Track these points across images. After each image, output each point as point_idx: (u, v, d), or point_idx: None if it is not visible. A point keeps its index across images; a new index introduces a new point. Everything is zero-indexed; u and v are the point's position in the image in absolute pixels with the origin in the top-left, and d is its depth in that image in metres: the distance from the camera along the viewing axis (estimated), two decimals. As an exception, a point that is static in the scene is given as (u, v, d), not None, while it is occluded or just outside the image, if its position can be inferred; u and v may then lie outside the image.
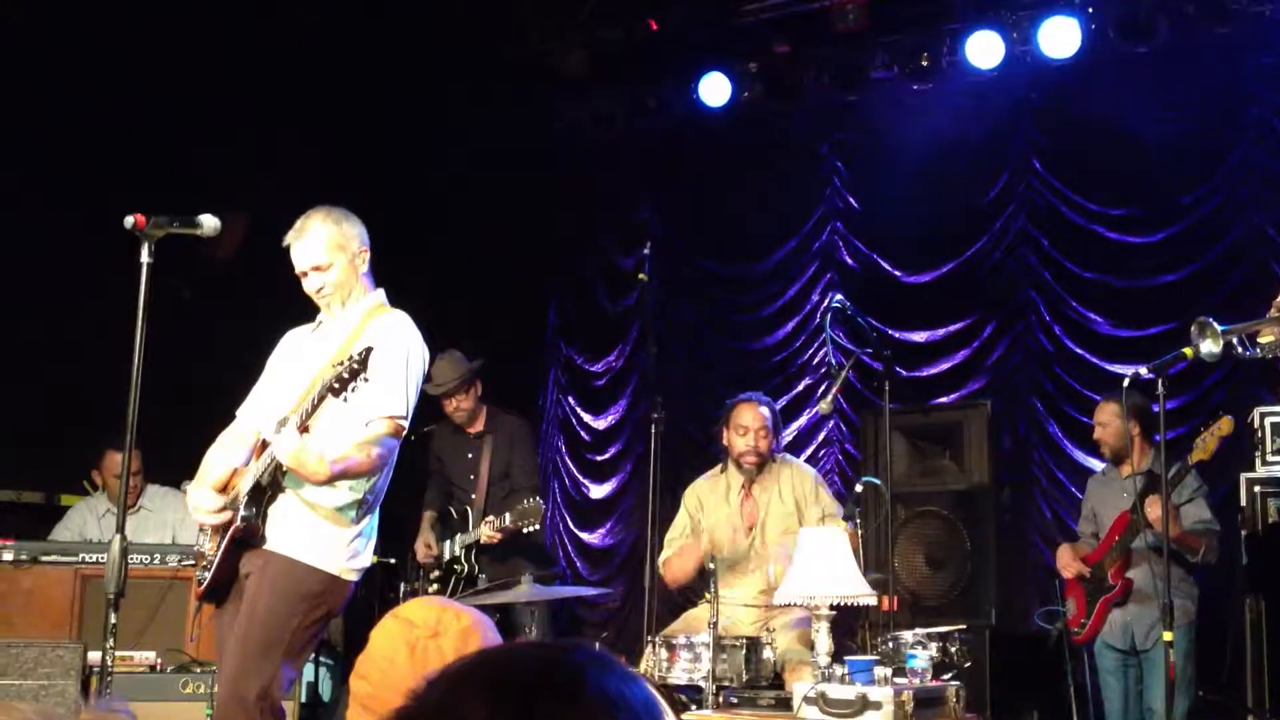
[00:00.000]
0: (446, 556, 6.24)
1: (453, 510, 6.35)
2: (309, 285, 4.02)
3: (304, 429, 3.75)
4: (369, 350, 3.65)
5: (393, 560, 6.72)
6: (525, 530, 5.80)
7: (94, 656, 4.95)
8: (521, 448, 6.37)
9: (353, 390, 3.68)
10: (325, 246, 3.98)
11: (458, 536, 6.20)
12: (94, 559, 5.51)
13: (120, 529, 3.71)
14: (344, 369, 3.62)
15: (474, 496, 6.26)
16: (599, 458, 8.35)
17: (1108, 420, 5.82)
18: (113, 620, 3.66)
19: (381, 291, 4.13)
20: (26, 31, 6.48)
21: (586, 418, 8.45)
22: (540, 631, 5.73)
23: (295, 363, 4.09)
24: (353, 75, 7.29)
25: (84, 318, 6.53)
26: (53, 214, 6.65)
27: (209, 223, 3.87)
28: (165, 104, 6.92)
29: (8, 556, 5.49)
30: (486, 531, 5.92)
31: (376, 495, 3.99)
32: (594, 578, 7.78)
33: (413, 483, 6.40)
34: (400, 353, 3.93)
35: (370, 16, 7.09)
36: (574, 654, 1.28)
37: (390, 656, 2.19)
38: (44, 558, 5.53)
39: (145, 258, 3.78)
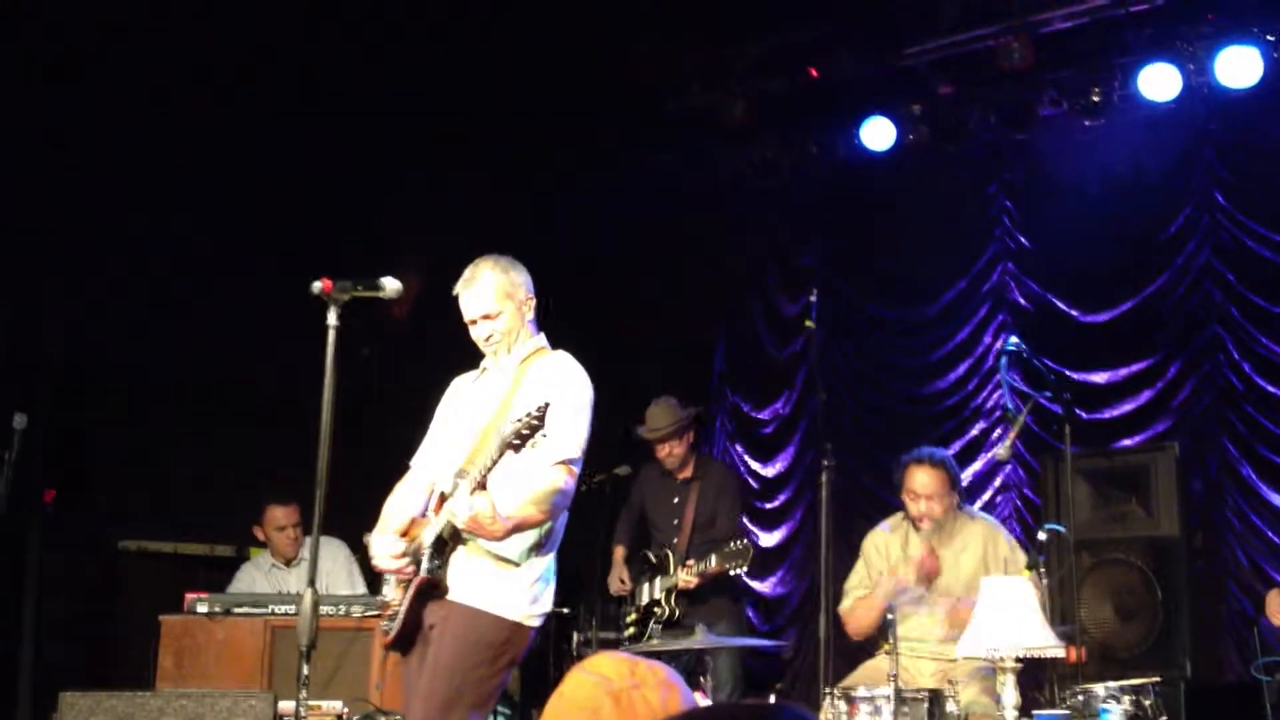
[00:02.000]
0: (645, 599, 6.28)
1: (651, 554, 6.40)
2: (477, 333, 4.10)
3: (482, 484, 3.80)
4: (547, 406, 3.69)
5: (566, 610, 6.78)
6: (732, 573, 5.83)
7: (284, 705, 5.09)
8: (728, 496, 6.44)
9: (532, 446, 3.73)
10: (494, 295, 4.05)
11: (658, 580, 6.25)
12: (283, 610, 5.67)
13: (311, 581, 3.82)
14: (523, 425, 3.65)
15: (676, 541, 6.31)
16: (768, 505, 8.28)
17: None
18: (305, 671, 3.77)
19: (543, 336, 4.19)
20: (198, 76, 6.76)
21: (754, 465, 8.40)
22: (722, 679, 5.72)
23: (464, 410, 4.16)
24: (521, 126, 7.45)
25: (269, 375, 6.78)
26: (233, 265, 6.93)
27: (391, 285, 3.99)
28: (339, 151, 7.16)
29: (202, 609, 5.68)
30: (684, 577, 5.97)
31: (554, 538, 4.02)
32: (765, 627, 7.70)
33: (583, 536, 6.46)
34: (568, 395, 3.96)
35: (538, 68, 7.25)
36: (782, 715, 1.26)
37: (594, 709, 2.17)
38: (236, 609, 5.71)
39: (332, 321, 3.91)
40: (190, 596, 5.70)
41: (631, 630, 6.29)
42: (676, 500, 6.43)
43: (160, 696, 5.13)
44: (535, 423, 3.66)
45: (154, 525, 6.87)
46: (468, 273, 4.10)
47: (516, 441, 3.68)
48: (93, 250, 6.60)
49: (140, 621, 6.11)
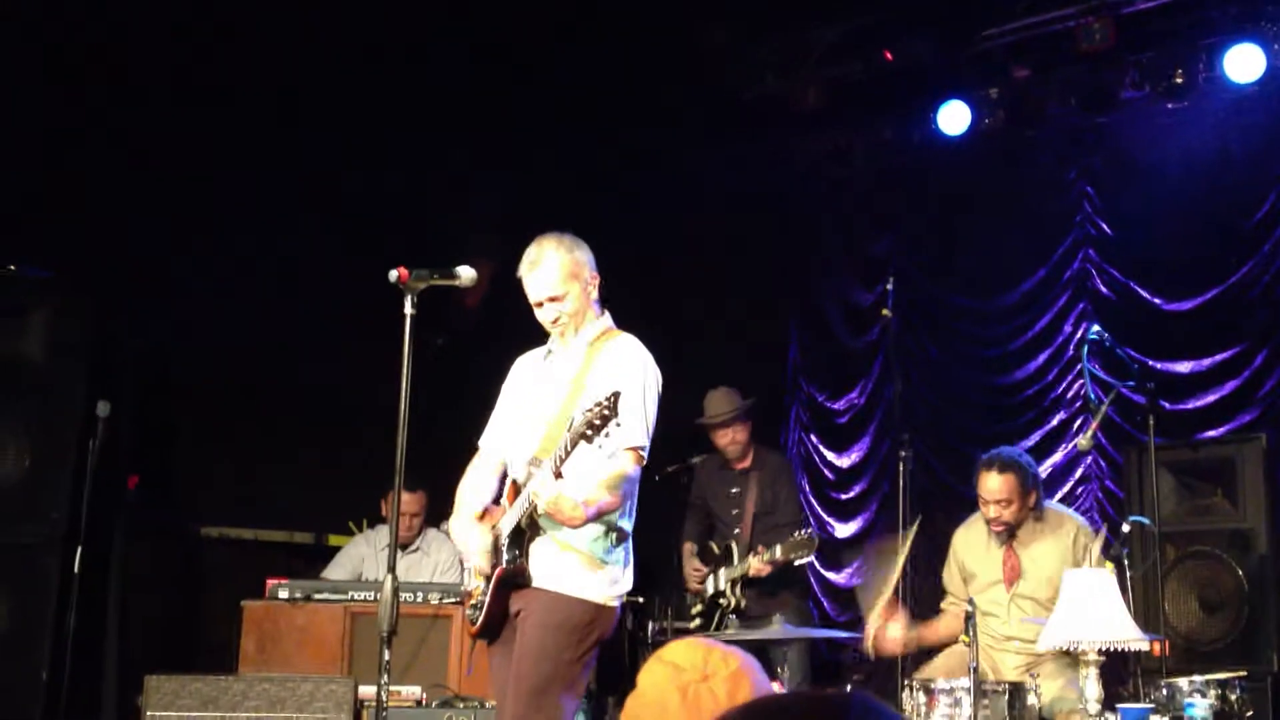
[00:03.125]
0: (710, 590, 6.30)
1: (714, 545, 6.42)
2: (544, 315, 4.08)
3: (558, 474, 3.81)
4: (618, 395, 3.68)
5: (641, 599, 6.78)
6: (796, 563, 5.84)
7: (364, 690, 5.15)
8: (786, 484, 6.46)
9: (605, 436, 3.73)
10: (560, 276, 4.02)
11: (722, 570, 6.26)
12: (363, 597, 5.74)
13: (391, 568, 3.86)
14: (595, 414, 3.65)
15: (738, 531, 6.33)
16: (843, 496, 8.23)
17: None
18: (386, 656, 3.81)
19: (608, 316, 4.16)
20: (274, 80, 6.85)
21: (830, 455, 8.35)
22: (794, 670, 5.70)
23: (532, 394, 4.16)
24: (597, 116, 7.46)
25: (348, 366, 6.85)
26: (312, 260, 7.02)
27: (466, 273, 4.00)
28: (412, 144, 7.22)
29: (283, 594, 5.77)
30: (756, 564, 5.98)
31: (629, 522, 4.02)
32: (841, 618, 7.64)
33: (657, 524, 6.47)
34: (636, 381, 3.95)
35: (613, 57, 7.25)
36: (850, 708, 1.24)
37: (662, 702, 2.18)
38: (316, 595, 5.78)
39: (408, 309, 3.94)
40: (271, 582, 5.79)
41: (698, 622, 6.30)
42: (736, 490, 6.45)
43: (243, 680, 5.22)
44: (607, 412, 3.66)
45: (235, 513, 6.98)
46: (531, 253, 4.06)
47: (589, 432, 3.68)
48: (176, 243, 6.70)
49: (221, 607, 6.22)
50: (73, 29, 6.34)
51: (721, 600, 6.24)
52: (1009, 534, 5.28)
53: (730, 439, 6.41)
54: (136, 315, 6.56)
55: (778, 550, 5.90)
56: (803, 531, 5.89)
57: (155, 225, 6.60)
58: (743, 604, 6.16)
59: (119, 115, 6.50)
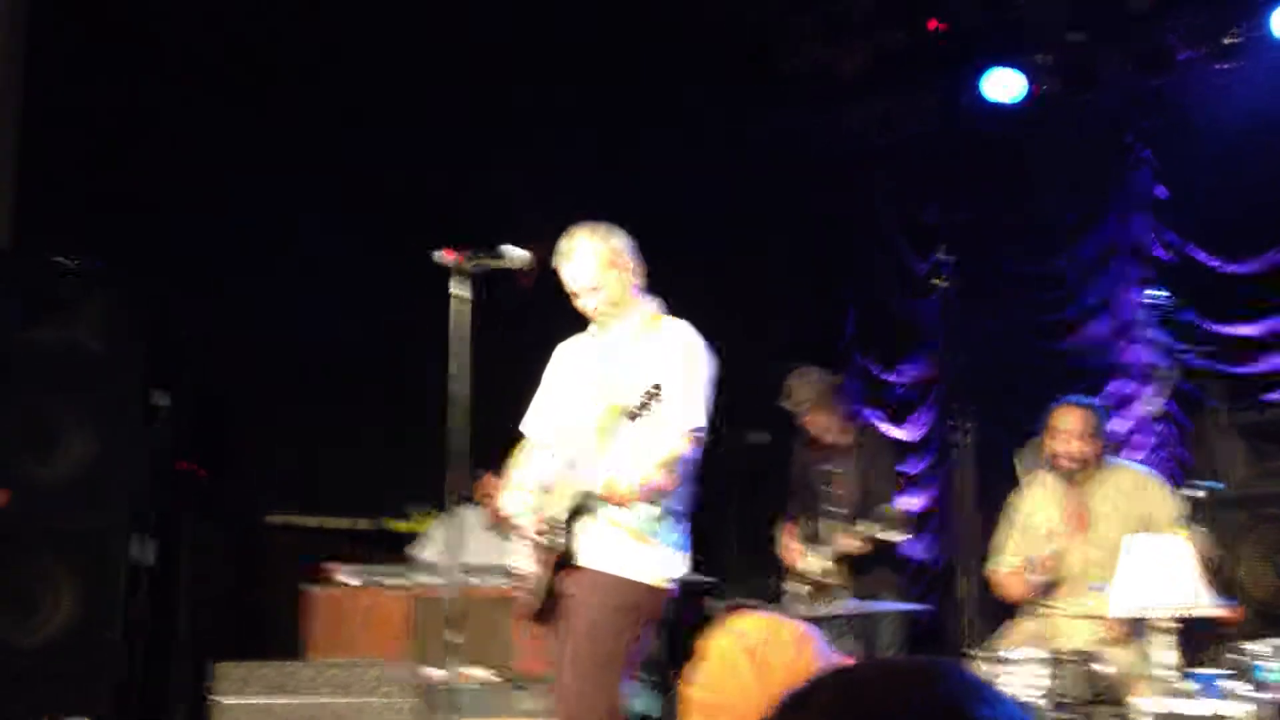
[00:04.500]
0: (815, 570, 6.25)
1: (810, 524, 6.38)
2: (582, 305, 4.06)
3: (606, 460, 3.80)
4: (658, 387, 3.67)
5: (705, 579, 6.76)
6: (891, 539, 5.79)
7: (430, 674, 5.16)
8: (883, 462, 6.39)
9: (647, 414, 3.72)
10: (596, 266, 4.00)
11: (821, 550, 6.21)
12: (427, 580, 5.76)
13: (454, 550, 3.87)
14: (636, 407, 3.66)
15: (830, 509, 6.27)
16: (906, 470, 8.15)
17: None
18: (452, 638, 3.82)
19: (656, 300, 4.13)
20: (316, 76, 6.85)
21: (888, 428, 8.27)
22: (882, 646, 5.68)
23: (578, 379, 4.14)
24: (641, 87, 7.42)
25: (408, 350, 6.87)
26: (370, 244, 7.04)
27: (516, 254, 3.99)
28: (459, 121, 7.20)
29: (347, 579, 5.80)
30: (845, 541, 5.93)
31: (685, 506, 4.01)
32: (909, 593, 7.59)
33: (717, 505, 6.44)
34: (687, 364, 3.93)
35: (656, 27, 7.21)
36: (934, 679, 1.20)
37: (732, 665, 2.25)
38: (380, 580, 5.81)
39: (460, 291, 3.94)
40: (335, 567, 5.82)
41: (803, 608, 6.26)
42: (828, 468, 6.39)
43: (310, 666, 5.25)
44: (648, 400, 3.66)
45: (296, 500, 7.02)
46: (564, 244, 4.04)
47: (632, 414, 3.69)
48: (231, 232, 6.74)
49: (285, 593, 6.25)
50: (120, 22, 6.38)
51: (826, 579, 6.19)
52: (1075, 475, 5.22)
53: (814, 422, 6.37)
54: (193, 305, 6.61)
55: (871, 526, 5.85)
56: (894, 509, 5.83)
57: (209, 214, 6.65)
58: (836, 583, 6.11)
59: (172, 107, 6.55)
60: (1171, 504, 5.18)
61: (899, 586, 6.33)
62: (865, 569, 6.07)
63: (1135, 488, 5.22)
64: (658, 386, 3.68)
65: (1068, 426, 5.23)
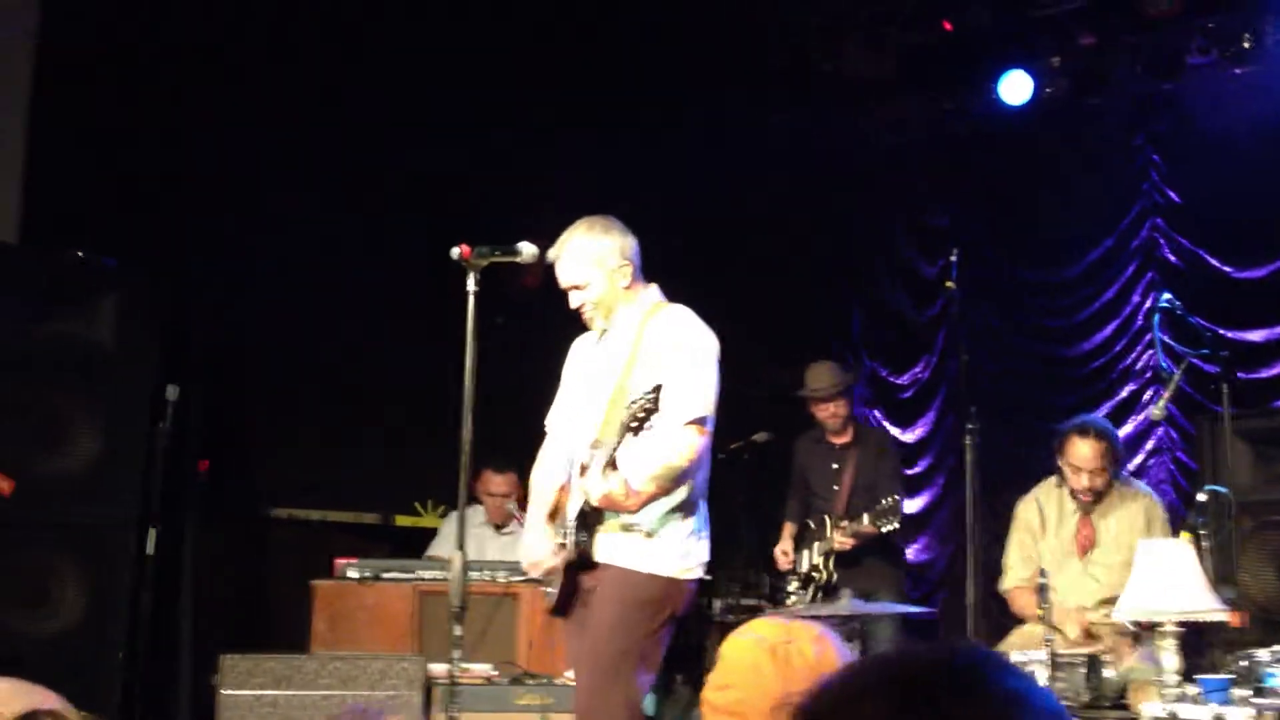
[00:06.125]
0: (805, 566, 6.27)
1: (810, 521, 6.40)
2: (571, 302, 4.07)
3: (612, 464, 3.81)
4: (659, 388, 3.68)
5: (709, 577, 6.76)
6: (884, 530, 5.81)
7: (434, 668, 5.19)
8: (888, 461, 6.44)
9: (649, 428, 3.73)
10: (581, 264, 3.99)
11: (816, 544, 6.24)
12: (431, 576, 5.78)
13: (460, 545, 3.88)
14: (638, 408, 3.68)
15: (834, 506, 6.30)
16: (909, 471, 8.15)
17: None
18: (457, 632, 3.83)
19: (655, 288, 4.11)
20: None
21: (894, 430, 8.28)
22: (879, 648, 5.68)
23: (588, 373, 4.15)
24: (653, 82, 7.43)
25: (415, 347, 6.89)
26: (378, 241, 7.07)
27: (528, 250, 4.00)
28: (470, 117, 7.23)
29: (352, 574, 5.82)
30: (838, 538, 5.96)
31: (699, 493, 4.00)
32: (911, 594, 7.60)
33: (721, 501, 6.44)
34: (688, 352, 3.92)
35: (668, 24, 7.22)
36: (971, 653, 1.25)
37: (754, 664, 2.25)
38: (385, 575, 5.83)
39: (471, 286, 3.95)
40: (340, 562, 5.84)
41: (794, 599, 6.29)
42: (835, 466, 6.42)
43: (315, 659, 5.27)
44: (649, 405, 3.68)
45: (302, 494, 7.04)
46: (561, 238, 4.04)
47: (634, 425, 3.72)
48: (241, 228, 6.77)
49: (291, 587, 6.28)
50: (132, 16, 6.41)
51: (815, 575, 6.21)
52: (1089, 506, 5.22)
53: (831, 413, 6.40)
54: (204, 300, 6.64)
55: (865, 519, 5.87)
56: (887, 499, 5.84)
57: (221, 211, 6.67)
58: (834, 578, 6.13)
59: (182, 104, 6.57)
60: (1167, 526, 5.21)
61: (897, 582, 6.34)
62: (862, 563, 6.08)
63: (1144, 510, 5.21)
64: (657, 389, 3.68)
65: (1083, 463, 5.19)
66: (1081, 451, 5.18)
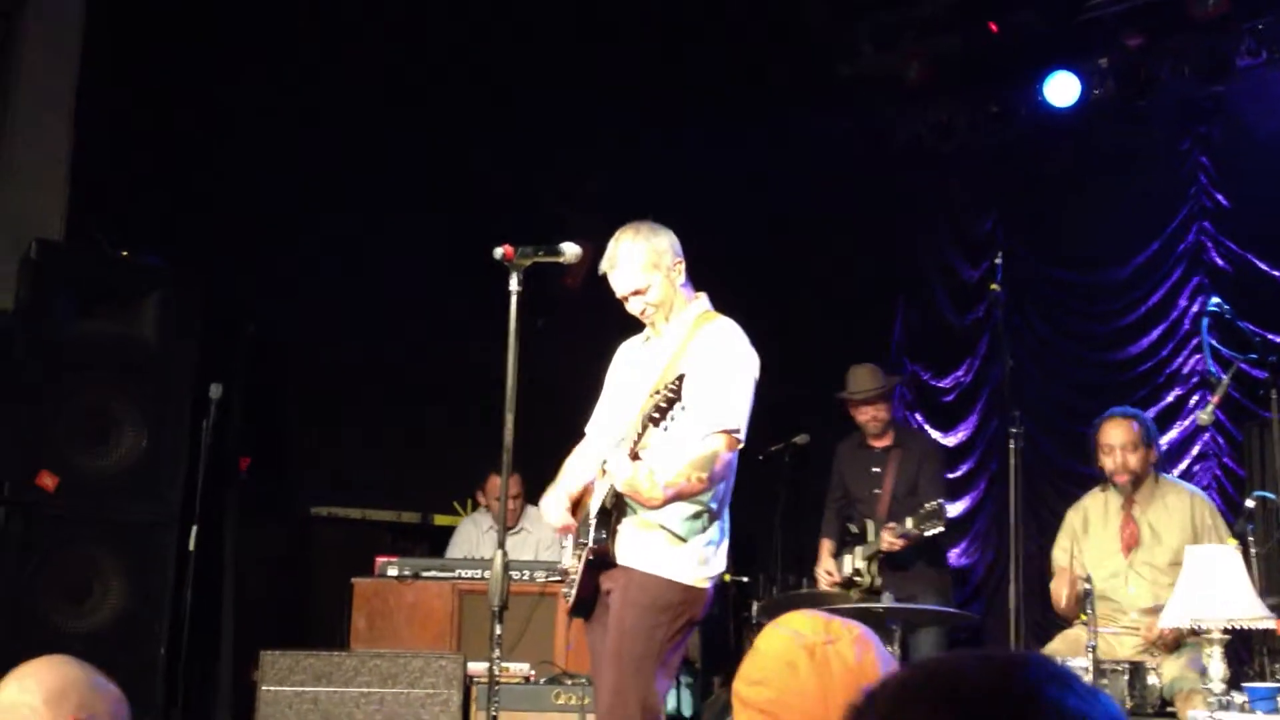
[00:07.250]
0: (848, 570, 6.22)
1: (851, 525, 6.35)
2: (632, 308, 4.06)
3: (634, 455, 3.79)
4: (682, 378, 3.67)
5: (745, 579, 6.75)
6: (928, 534, 5.75)
7: (473, 667, 5.19)
8: (931, 465, 6.36)
9: (671, 419, 3.71)
10: (640, 268, 3.98)
11: (858, 549, 6.18)
12: (470, 575, 5.78)
13: (501, 545, 3.88)
14: (660, 398, 3.66)
15: (876, 510, 6.25)
16: (951, 475, 8.08)
17: None
18: (498, 630, 3.83)
19: (704, 298, 4.12)
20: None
21: (935, 434, 8.21)
22: (925, 648, 5.63)
23: (630, 377, 4.15)
24: (693, 91, 7.41)
25: (455, 347, 6.91)
26: (420, 242, 7.09)
27: (571, 250, 4.00)
28: (511, 122, 7.24)
29: (392, 572, 5.84)
30: (887, 539, 5.90)
31: (720, 503, 3.99)
32: (956, 597, 7.53)
33: (760, 503, 6.43)
34: (727, 363, 3.91)
35: (708, 32, 7.21)
36: (1028, 667, 1.20)
37: (790, 662, 2.14)
38: (425, 574, 5.85)
39: (514, 286, 3.95)
40: (380, 560, 5.86)
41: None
42: (876, 470, 6.36)
43: (355, 657, 5.29)
44: (671, 395, 3.66)
45: (343, 493, 7.07)
46: (610, 249, 4.03)
47: (656, 415, 3.70)
48: (284, 228, 6.81)
49: (331, 585, 6.31)
50: (179, 15, 6.47)
51: (858, 579, 6.16)
52: (1130, 490, 5.16)
53: (871, 416, 6.35)
54: (246, 299, 6.68)
55: (909, 522, 5.81)
56: (930, 503, 5.79)
57: (265, 211, 6.71)
58: (878, 582, 6.07)
59: (226, 105, 6.62)
60: (1218, 522, 5.11)
61: (942, 586, 6.28)
62: (906, 567, 6.03)
63: (1187, 506, 5.15)
64: (680, 378, 3.67)
65: (1115, 440, 5.18)
66: (1112, 431, 5.18)
